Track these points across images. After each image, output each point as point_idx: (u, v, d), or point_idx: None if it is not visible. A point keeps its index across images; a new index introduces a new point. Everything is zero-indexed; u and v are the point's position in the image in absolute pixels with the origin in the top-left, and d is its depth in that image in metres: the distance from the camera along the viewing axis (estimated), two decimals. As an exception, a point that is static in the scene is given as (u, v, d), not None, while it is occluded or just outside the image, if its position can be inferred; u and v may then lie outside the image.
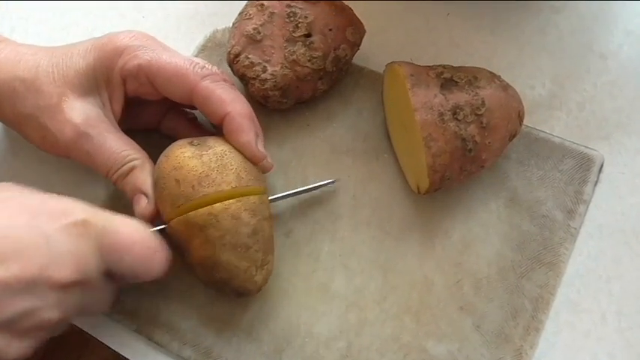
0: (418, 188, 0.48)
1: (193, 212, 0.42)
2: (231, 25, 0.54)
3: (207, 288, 0.47)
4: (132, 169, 0.45)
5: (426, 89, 0.45)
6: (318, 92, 0.52)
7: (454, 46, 0.55)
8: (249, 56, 0.50)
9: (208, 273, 0.43)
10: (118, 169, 0.45)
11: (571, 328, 0.46)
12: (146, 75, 0.46)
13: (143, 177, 0.45)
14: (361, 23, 0.52)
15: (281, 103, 0.51)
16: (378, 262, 0.49)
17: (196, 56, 0.56)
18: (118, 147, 0.45)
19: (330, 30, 0.50)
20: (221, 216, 0.42)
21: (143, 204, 0.45)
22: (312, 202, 0.51)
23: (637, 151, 0.51)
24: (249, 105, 0.46)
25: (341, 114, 0.54)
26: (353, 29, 0.51)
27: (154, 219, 0.45)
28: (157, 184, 0.44)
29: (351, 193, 0.51)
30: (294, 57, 0.49)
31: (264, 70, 0.49)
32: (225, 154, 0.44)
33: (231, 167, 0.43)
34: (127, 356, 0.47)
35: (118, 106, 0.48)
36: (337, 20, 0.50)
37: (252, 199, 0.43)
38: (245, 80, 0.50)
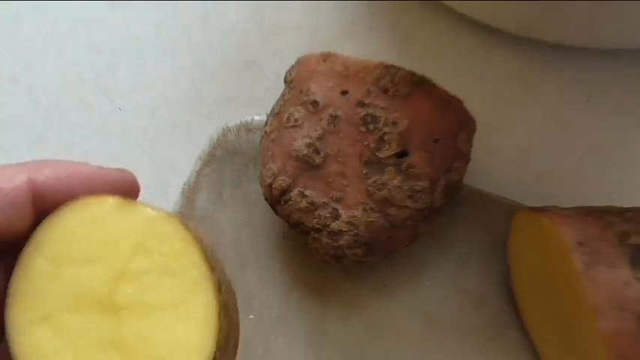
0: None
1: None
2: (249, 119, 0.35)
3: None
4: None
5: (610, 272, 0.26)
6: (419, 239, 0.31)
7: (602, 152, 0.35)
8: (307, 192, 0.29)
9: None
10: None
11: None
12: None
13: None
14: (473, 120, 0.32)
15: (362, 263, 0.31)
16: None
17: (200, 173, 0.35)
18: None
19: (437, 141, 0.30)
20: None
21: None
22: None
23: None
24: None
25: (435, 265, 0.34)
26: (465, 132, 0.31)
27: None
28: None
29: (467, 399, 0.31)
30: (384, 192, 0.29)
31: (336, 216, 0.29)
32: None
33: None
34: None
35: None
36: (444, 122, 0.30)
37: None
38: (301, 229, 0.30)
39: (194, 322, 0.24)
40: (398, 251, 0.32)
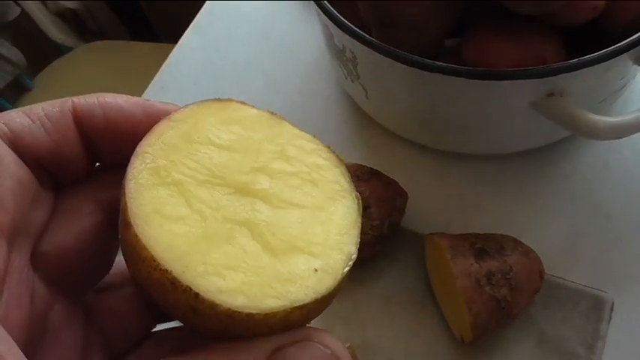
0: (462, 338, 0.56)
1: None
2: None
3: None
4: None
5: (464, 259, 0.54)
6: (376, 252, 0.61)
7: (481, 211, 0.65)
8: (319, 226, 0.59)
9: None
10: None
11: None
12: None
13: None
14: (405, 192, 0.62)
15: (347, 266, 0.60)
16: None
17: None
18: None
19: (383, 201, 0.60)
20: None
21: None
22: (370, 348, 0.59)
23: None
24: None
25: (388, 271, 0.63)
26: (400, 198, 0.61)
27: None
28: None
29: (405, 340, 0.59)
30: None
31: (333, 239, 0.58)
32: None
33: None
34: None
35: None
36: (387, 193, 0.60)
37: None
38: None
39: (335, 225, 0.23)
40: (367, 261, 0.61)
